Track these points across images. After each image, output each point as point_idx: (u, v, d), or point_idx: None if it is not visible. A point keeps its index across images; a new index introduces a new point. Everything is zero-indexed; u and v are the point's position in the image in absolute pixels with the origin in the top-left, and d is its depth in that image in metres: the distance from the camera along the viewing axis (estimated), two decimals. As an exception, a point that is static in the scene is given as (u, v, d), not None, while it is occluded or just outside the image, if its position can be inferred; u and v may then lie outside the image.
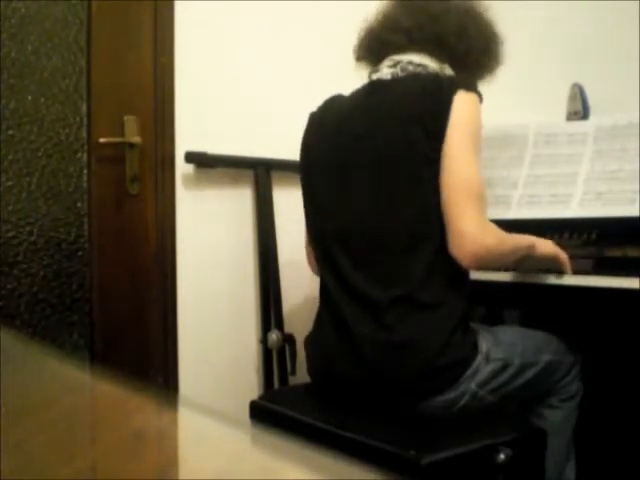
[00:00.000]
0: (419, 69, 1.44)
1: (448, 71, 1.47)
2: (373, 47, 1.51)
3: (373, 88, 1.47)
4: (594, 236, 1.65)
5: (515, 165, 1.88)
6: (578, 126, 1.86)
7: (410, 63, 1.44)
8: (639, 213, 1.60)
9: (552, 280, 1.52)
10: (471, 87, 1.37)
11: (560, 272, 1.50)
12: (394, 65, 1.45)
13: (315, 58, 2.11)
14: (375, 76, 1.48)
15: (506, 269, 1.59)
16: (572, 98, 2.03)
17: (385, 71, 1.46)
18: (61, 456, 0.34)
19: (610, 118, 1.79)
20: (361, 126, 1.42)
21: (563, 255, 1.49)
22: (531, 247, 1.45)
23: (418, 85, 1.38)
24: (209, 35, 1.95)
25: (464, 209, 1.30)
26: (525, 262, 1.49)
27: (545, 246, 1.48)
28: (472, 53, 1.48)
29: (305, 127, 1.56)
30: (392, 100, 1.40)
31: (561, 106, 2.07)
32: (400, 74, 1.44)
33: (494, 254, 1.36)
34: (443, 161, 1.32)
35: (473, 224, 1.30)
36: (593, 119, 1.89)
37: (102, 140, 1.76)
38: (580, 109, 2.00)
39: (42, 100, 1.70)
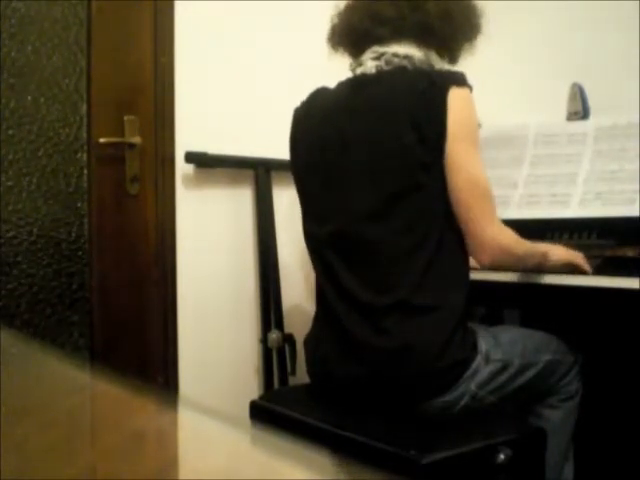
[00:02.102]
0: (405, 61, 1.40)
1: (434, 58, 1.43)
2: (353, 38, 1.47)
3: (358, 83, 1.43)
4: (594, 236, 1.65)
5: (515, 165, 1.88)
6: (578, 126, 1.86)
7: (395, 55, 1.40)
8: (639, 213, 1.60)
9: (552, 280, 1.52)
10: (462, 80, 1.34)
11: (580, 272, 1.49)
12: (378, 57, 1.41)
13: (315, 58, 2.11)
14: (359, 70, 1.44)
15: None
16: (572, 98, 2.03)
17: (369, 64, 1.42)
18: (61, 456, 0.34)
19: (610, 118, 1.79)
20: (349, 127, 1.39)
21: (578, 259, 1.48)
22: (544, 255, 1.45)
23: (407, 83, 1.35)
24: (209, 35, 1.95)
25: (476, 211, 1.31)
26: (539, 268, 1.49)
27: (559, 253, 1.47)
28: (457, 34, 1.45)
29: (291, 124, 1.54)
30: (380, 99, 1.37)
31: (561, 106, 2.07)
32: (385, 67, 1.40)
33: (512, 255, 1.38)
34: (446, 164, 1.31)
35: (488, 225, 1.32)
36: (593, 119, 1.90)
37: (102, 140, 1.76)
38: (580, 109, 2.00)
39: (42, 100, 1.70)
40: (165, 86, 1.86)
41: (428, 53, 1.42)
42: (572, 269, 1.49)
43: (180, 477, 0.32)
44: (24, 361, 0.58)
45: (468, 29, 1.47)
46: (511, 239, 1.37)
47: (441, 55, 1.46)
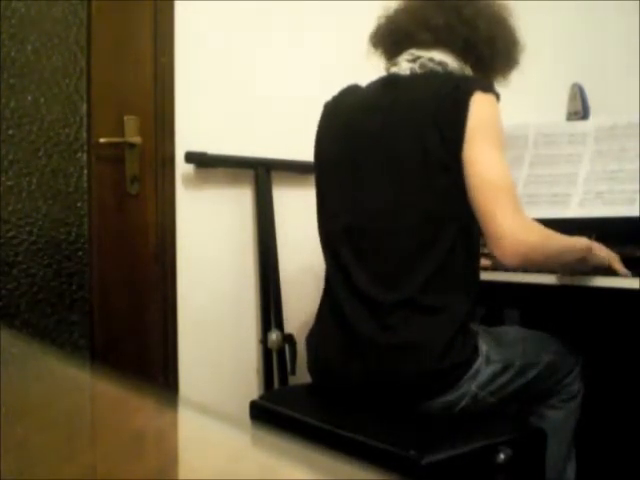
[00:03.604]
0: (438, 67, 1.42)
1: (467, 72, 1.45)
2: (395, 39, 1.49)
3: (389, 83, 1.44)
4: (594, 236, 1.65)
5: (515, 165, 1.88)
6: (578, 126, 1.86)
7: (431, 60, 1.42)
8: (639, 213, 1.60)
9: (552, 280, 1.52)
10: (488, 87, 1.36)
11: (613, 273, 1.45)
12: (413, 60, 1.43)
13: (315, 58, 2.11)
14: (393, 69, 1.46)
15: (551, 271, 1.53)
16: (572, 98, 2.03)
17: (404, 65, 1.44)
18: (61, 456, 0.34)
19: (610, 118, 1.79)
20: (374, 125, 1.40)
21: (617, 262, 1.44)
22: (587, 250, 1.41)
23: (434, 85, 1.37)
24: (209, 35, 1.95)
25: (496, 209, 1.28)
26: (580, 266, 1.44)
27: (602, 252, 1.43)
28: (496, 59, 1.48)
29: (319, 117, 1.54)
30: (407, 100, 1.39)
31: (561, 106, 2.07)
32: (418, 70, 1.42)
33: (539, 252, 1.33)
34: (466, 167, 1.30)
35: (508, 222, 1.27)
36: (593, 119, 1.90)
37: (102, 140, 1.76)
38: (580, 109, 2.00)
39: (42, 100, 1.70)
40: (165, 86, 1.86)
41: (463, 67, 1.44)
42: (610, 271, 1.44)
43: (180, 477, 0.32)
44: (24, 361, 0.58)
45: (506, 60, 1.49)
46: (537, 233, 1.32)
47: (475, 73, 1.47)
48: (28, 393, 0.47)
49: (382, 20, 1.53)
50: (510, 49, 1.50)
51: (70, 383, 0.50)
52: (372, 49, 1.55)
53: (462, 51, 1.44)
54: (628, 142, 1.72)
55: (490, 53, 1.46)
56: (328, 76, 1.82)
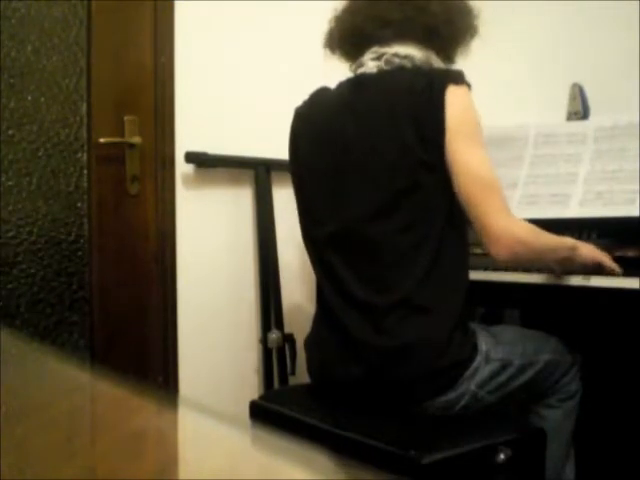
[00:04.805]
0: (405, 61, 1.40)
1: (434, 59, 1.43)
2: (352, 40, 1.47)
3: (359, 84, 1.43)
4: (594, 236, 1.65)
5: (515, 165, 1.88)
6: (578, 126, 1.86)
7: (396, 55, 1.40)
8: (639, 213, 1.60)
9: (552, 280, 1.52)
10: (460, 79, 1.35)
11: (605, 273, 1.46)
12: (378, 58, 1.41)
13: (315, 58, 2.11)
14: (360, 70, 1.44)
15: (539, 269, 1.55)
16: (572, 98, 2.03)
17: (370, 64, 1.42)
18: (61, 456, 0.34)
19: (610, 118, 1.79)
20: (350, 127, 1.39)
21: (607, 261, 1.45)
22: (573, 249, 1.42)
23: (406, 82, 1.35)
24: (209, 35, 1.95)
25: (487, 206, 1.29)
26: (566, 264, 1.46)
27: (588, 250, 1.45)
28: (458, 36, 1.46)
29: (291, 123, 1.54)
30: (380, 99, 1.38)
31: (561, 106, 2.07)
32: (385, 67, 1.41)
33: (531, 248, 1.34)
34: (452, 166, 1.30)
35: (501, 219, 1.29)
36: (593, 119, 1.90)
37: (102, 140, 1.76)
38: (580, 109, 2.00)
39: (42, 100, 1.70)
40: (165, 86, 1.86)
41: (428, 54, 1.42)
42: (599, 269, 1.45)
43: (180, 477, 0.32)
44: (24, 361, 0.58)
45: (467, 31, 1.48)
46: (528, 230, 1.34)
47: (439, 56, 1.46)
48: (28, 393, 0.47)
49: (332, 23, 1.51)
50: (469, 22, 1.48)
51: (70, 383, 0.50)
52: (330, 53, 1.53)
53: (424, 39, 1.42)
54: (628, 142, 1.72)
55: (451, 34, 1.45)
56: (328, 76, 1.81)
